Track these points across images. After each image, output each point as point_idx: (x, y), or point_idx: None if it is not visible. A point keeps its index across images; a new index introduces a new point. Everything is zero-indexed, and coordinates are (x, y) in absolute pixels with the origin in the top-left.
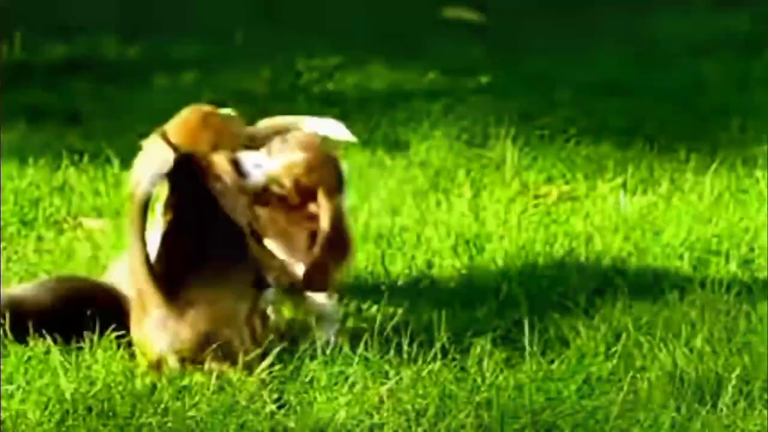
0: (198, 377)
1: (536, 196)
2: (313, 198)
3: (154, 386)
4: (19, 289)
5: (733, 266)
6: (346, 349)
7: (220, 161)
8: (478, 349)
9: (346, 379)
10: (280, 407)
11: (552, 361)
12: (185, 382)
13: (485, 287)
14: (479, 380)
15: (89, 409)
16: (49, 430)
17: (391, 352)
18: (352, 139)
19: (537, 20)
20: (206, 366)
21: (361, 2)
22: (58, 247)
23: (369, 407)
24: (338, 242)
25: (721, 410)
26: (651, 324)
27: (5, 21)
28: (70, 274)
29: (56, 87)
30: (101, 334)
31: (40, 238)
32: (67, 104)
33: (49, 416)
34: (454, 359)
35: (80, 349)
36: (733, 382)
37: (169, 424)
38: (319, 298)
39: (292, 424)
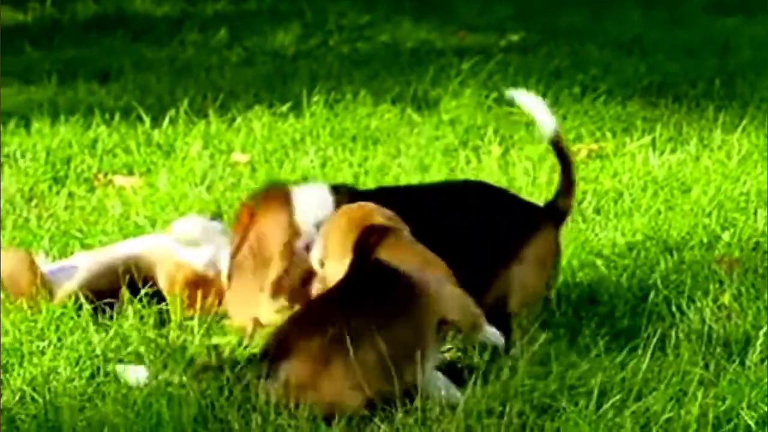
0: (227, 337)
1: None
2: None
3: (184, 342)
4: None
5: (761, 224)
6: None
7: None
8: None
9: None
10: None
11: (581, 318)
12: (214, 341)
13: None
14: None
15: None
16: (80, 387)
17: None
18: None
19: None
20: None
21: None
22: (89, 204)
23: None
24: None
25: (749, 367)
26: (679, 281)
27: None
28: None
29: (87, 44)
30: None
31: (71, 196)
32: (98, 62)
33: (79, 372)
34: None
35: (111, 306)
36: (761, 339)
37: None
38: None
39: None
